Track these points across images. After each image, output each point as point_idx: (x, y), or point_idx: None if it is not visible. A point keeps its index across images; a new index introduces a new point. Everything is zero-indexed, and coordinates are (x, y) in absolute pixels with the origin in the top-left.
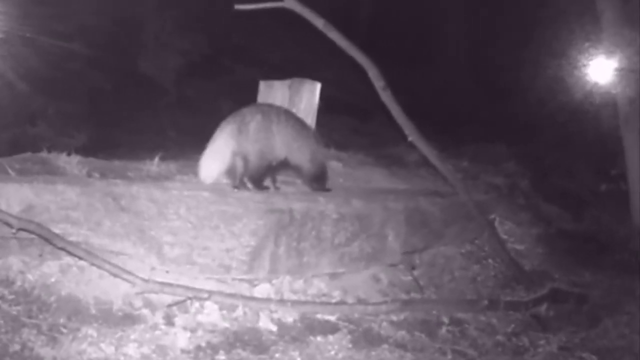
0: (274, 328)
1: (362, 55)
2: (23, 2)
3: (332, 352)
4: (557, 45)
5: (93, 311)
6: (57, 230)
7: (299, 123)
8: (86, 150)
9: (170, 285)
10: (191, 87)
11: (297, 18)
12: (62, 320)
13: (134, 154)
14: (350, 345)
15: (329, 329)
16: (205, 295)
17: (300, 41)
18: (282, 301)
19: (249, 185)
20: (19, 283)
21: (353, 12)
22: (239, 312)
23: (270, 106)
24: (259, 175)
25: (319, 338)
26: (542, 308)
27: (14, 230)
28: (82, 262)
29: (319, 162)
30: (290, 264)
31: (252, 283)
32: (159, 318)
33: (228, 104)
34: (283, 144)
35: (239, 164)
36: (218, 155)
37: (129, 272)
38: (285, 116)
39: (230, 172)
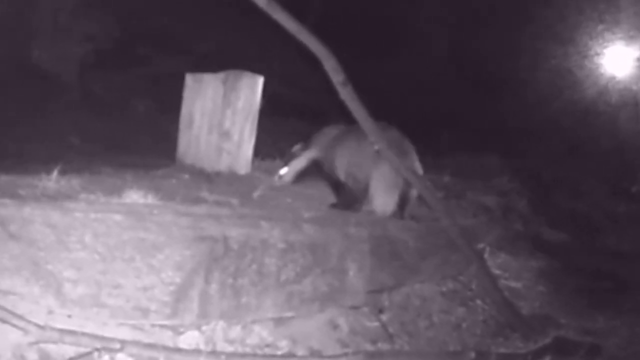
0: None
1: (316, 42)
2: None
3: None
4: (563, 28)
5: None
6: None
7: None
8: None
9: (72, 333)
10: (99, 81)
11: None
12: None
13: (26, 166)
14: None
15: None
16: (117, 346)
17: (238, 25)
18: (214, 353)
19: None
20: None
21: None
22: None
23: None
24: None
25: None
26: None
27: None
28: None
29: None
30: (225, 306)
31: (177, 330)
32: None
33: (145, 102)
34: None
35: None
36: (396, 182)
37: (20, 317)
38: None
39: (402, 198)
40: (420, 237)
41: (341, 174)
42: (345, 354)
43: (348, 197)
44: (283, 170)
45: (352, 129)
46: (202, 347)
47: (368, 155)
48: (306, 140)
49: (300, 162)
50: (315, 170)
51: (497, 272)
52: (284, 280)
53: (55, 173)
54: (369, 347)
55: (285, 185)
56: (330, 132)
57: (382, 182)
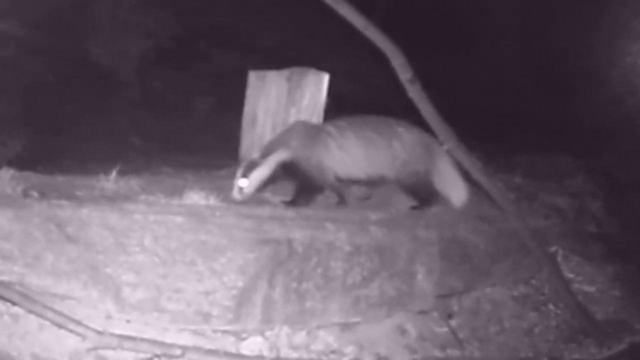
0: None
1: (384, 38)
2: None
3: None
4: (639, 24)
5: None
6: None
7: None
8: (22, 162)
9: (131, 338)
10: (159, 79)
11: None
12: None
13: (84, 167)
14: None
15: None
16: (178, 352)
17: (302, 21)
18: (278, 359)
19: None
20: None
21: None
22: None
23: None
24: None
25: None
26: None
27: None
28: (16, 309)
29: None
30: (289, 311)
31: (239, 336)
32: None
33: (207, 100)
34: None
35: None
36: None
37: (78, 322)
38: None
39: None
40: (491, 239)
41: (362, 174)
42: None
43: (424, 195)
44: (243, 182)
45: (346, 127)
46: (265, 353)
47: (425, 149)
48: (266, 146)
49: (264, 171)
50: (283, 177)
51: (570, 275)
52: (350, 284)
53: (113, 173)
54: (438, 353)
55: (245, 199)
56: (303, 130)
57: (453, 173)
